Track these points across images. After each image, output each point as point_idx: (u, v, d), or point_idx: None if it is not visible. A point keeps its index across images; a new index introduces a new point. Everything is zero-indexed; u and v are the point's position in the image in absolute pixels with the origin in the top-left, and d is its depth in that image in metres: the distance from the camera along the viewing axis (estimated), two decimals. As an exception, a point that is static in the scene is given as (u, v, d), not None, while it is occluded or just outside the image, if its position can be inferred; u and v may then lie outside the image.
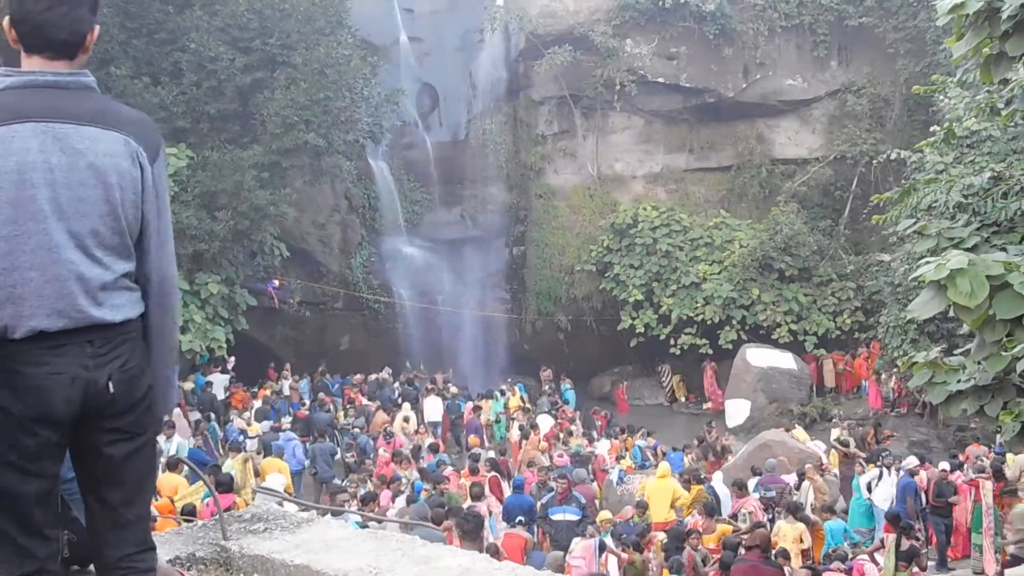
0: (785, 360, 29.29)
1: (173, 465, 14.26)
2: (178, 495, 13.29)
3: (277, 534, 4.39)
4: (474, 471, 17.19)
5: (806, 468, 17.40)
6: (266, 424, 21.39)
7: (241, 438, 19.93)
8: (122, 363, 2.94)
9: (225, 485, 12.36)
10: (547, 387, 30.86)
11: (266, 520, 4.60)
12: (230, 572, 4.17)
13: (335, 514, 11.48)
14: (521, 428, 22.77)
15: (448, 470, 17.79)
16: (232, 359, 25.08)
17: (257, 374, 26.62)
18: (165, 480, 13.93)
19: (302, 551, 4.10)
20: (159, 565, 3.28)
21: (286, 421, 22.17)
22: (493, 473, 17.43)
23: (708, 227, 32.42)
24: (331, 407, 24.07)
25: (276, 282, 27.78)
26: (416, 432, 22.58)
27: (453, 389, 26.28)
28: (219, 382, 24.53)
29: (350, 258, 31.68)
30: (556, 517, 14.46)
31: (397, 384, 27.53)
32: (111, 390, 2.89)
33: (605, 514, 14.78)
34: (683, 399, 32.32)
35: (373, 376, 27.71)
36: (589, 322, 33.31)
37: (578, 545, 12.62)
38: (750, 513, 14.83)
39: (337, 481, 18.32)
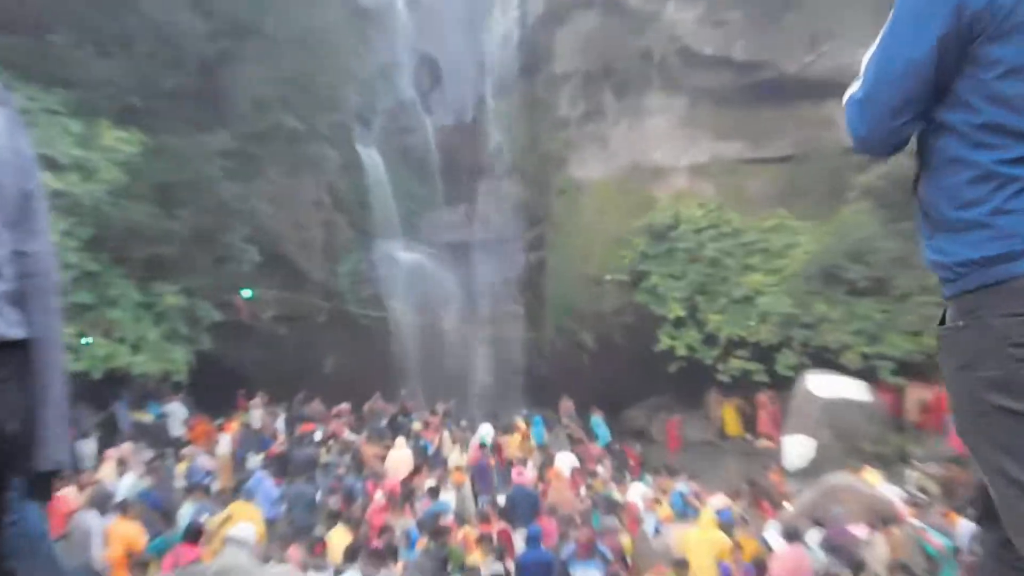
0: (855, 390, 29.20)
1: (125, 509, 14.36)
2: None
3: (249, 587, 4.49)
4: (484, 518, 17.23)
5: (880, 519, 17.41)
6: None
7: (208, 480, 20.02)
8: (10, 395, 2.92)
9: (192, 534, 12.45)
10: (567, 420, 30.71)
11: None
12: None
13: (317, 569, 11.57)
14: (540, 469, 22.80)
15: (449, 519, 17.84)
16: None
17: (223, 403, 26.71)
18: (117, 528, 14.04)
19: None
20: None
21: (257, 459, 22.29)
22: (503, 524, 17.50)
23: (764, 229, 32.43)
24: (312, 441, 24.22)
25: (247, 292, 27.89)
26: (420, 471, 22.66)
27: (416, 425, 26.30)
28: (177, 413, 24.66)
29: (335, 264, 31.84)
30: (577, 574, 14.51)
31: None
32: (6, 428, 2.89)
33: None
34: (738, 435, 32.24)
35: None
36: (620, 342, 33.33)
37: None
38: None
39: (319, 530, 18.41)
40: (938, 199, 2.71)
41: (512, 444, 26.04)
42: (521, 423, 27.83)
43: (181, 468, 21.06)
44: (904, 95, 2.70)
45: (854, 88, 2.86)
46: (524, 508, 18.26)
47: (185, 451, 22.07)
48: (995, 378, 2.57)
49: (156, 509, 17.18)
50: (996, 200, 2.56)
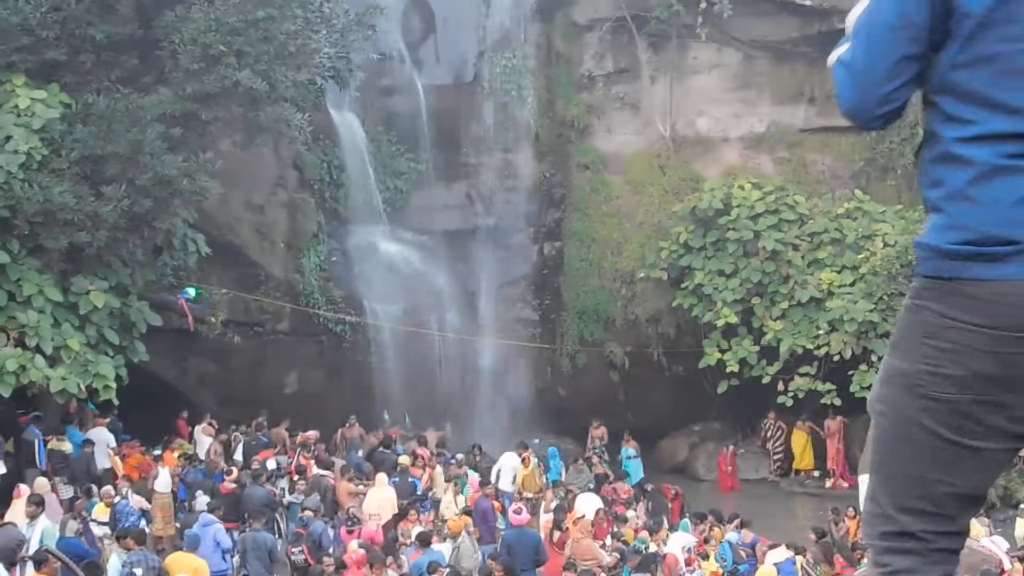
0: (949, 416, 29.14)
1: (40, 561, 14.34)
2: None
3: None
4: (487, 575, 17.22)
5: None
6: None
7: (141, 523, 19.97)
8: None
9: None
10: (592, 450, 30.48)
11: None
12: None
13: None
14: (556, 511, 22.76)
15: (444, 575, 17.81)
16: None
17: (161, 428, 26.71)
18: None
19: None
20: None
21: (203, 500, 22.27)
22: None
23: (837, 216, 32.35)
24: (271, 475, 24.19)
25: (191, 291, 27.86)
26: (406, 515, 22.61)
27: (402, 459, 26.15)
28: (104, 440, 24.59)
29: (301, 257, 31.79)
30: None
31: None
32: None
33: None
34: (807, 471, 32.15)
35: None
36: (656, 356, 33.31)
37: None
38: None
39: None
40: (920, 174, 2.80)
41: (517, 480, 26.00)
42: (529, 455, 27.63)
43: (103, 509, 20.94)
44: (897, 54, 2.68)
45: (841, 49, 2.84)
46: (524, 556, 18.17)
47: (106, 488, 21.86)
48: (904, 371, 2.74)
49: (80, 561, 17.16)
50: (952, 183, 2.64)
